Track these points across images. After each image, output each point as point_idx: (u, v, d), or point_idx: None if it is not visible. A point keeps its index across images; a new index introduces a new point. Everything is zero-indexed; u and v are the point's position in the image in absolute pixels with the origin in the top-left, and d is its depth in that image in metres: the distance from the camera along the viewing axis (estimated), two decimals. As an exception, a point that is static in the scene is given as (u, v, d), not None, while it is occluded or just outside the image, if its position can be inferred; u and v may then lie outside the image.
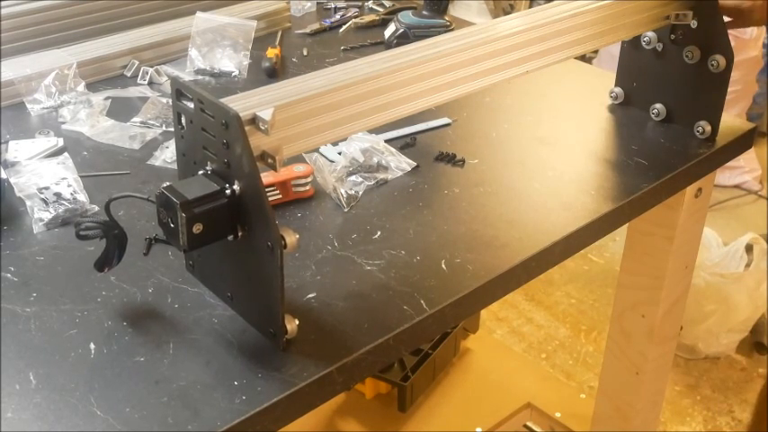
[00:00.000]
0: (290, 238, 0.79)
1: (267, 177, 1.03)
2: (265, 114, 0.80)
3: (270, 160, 0.82)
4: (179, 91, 0.84)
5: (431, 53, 0.97)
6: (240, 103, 0.82)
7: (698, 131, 1.27)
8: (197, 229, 0.80)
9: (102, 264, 0.89)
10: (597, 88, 1.41)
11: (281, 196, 1.09)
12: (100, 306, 0.89)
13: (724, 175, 3.04)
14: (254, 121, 0.81)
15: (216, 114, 0.79)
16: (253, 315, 0.86)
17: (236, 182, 0.80)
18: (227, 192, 0.81)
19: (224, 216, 0.81)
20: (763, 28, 3.01)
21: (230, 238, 0.83)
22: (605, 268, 2.65)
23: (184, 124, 0.85)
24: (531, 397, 1.84)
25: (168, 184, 0.82)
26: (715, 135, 1.27)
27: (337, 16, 1.71)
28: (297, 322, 0.84)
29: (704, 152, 1.25)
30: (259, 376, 0.81)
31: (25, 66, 1.34)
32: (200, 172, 0.84)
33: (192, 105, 0.82)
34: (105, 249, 0.88)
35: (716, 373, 2.29)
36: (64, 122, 1.27)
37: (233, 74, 1.45)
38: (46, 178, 1.09)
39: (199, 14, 1.50)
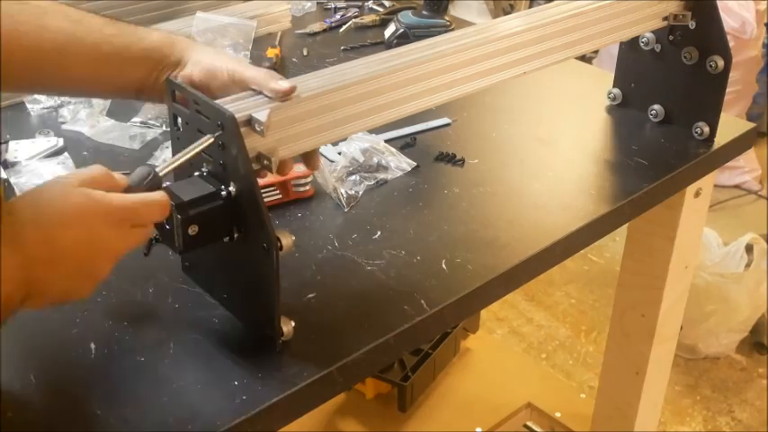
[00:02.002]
0: (286, 239, 0.79)
1: (267, 177, 1.03)
2: (261, 116, 0.80)
3: (266, 162, 0.82)
4: (175, 92, 0.84)
5: (430, 53, 0.97)
6: (236, 105, 0.82)
7: (696, 132, 1.27)
8: (193, 230, 0.80)
9: None
10: (597, 88, 1.41)
11: (281, 196, 1.09)
12: (100, 306, 0.89)
13: (724, 175, 3.03)
14: (249, 122, 0.81)
15: (211, 115, 0.79)
16: (249, 317, 0.86)
17: (231, 183, 0.80)
18: (223, 193, 0.81)
19: (220, 218, 0.81)
20: (763, 28, 3.01)
21: (226, 239, 0.83)
22: (605, 268, 2.65)
23: (180, 125, 0.85)
24: (531, 397, 1.84)
25: (164, 185, 0.82)
26: (713, 136, 1.27)
27: (337, 16, 1.71)
28: (293, 324, 0.84)
29: (704, 152, 1.25)
30: (259, 376, 0.81)
31: (25, 66, 1.34)
32: (196, 173, 0.84)
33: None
34: None
35: (716, 373, 2.28)
36: (64, 122, 1.27)
37: (233, 74, 1.45)
38: (46, 178, 1.09)
39: (199, 14, 1.50)
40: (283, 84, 0.83)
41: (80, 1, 1.45)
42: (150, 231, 0.78)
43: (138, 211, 0.75)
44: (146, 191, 0.77)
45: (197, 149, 0.79)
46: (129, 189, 0.76)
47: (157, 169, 0.78)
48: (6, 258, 0.66)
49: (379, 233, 1.04)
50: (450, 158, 1.21)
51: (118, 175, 0.77)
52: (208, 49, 0.90)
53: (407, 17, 1.58)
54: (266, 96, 0.83)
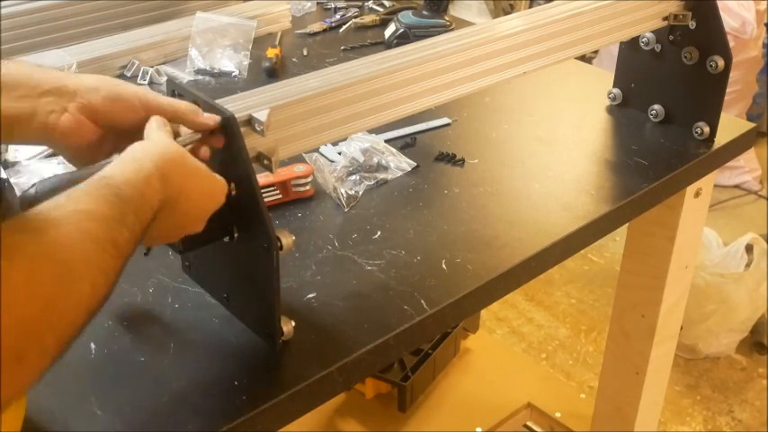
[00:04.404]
0: (286, 239, 0.79)
1: (267, 177, 1.03)
2: (261, 115, 0.80)
3: (266, 161, 0.82)
4: (175, 92, 0.84)
5: (430, 53, 0.97)
6: (236, 104, 0.82)
7: (696, 132, 1.27)
8: None
9: None
10: (597, 88, 1.41)
11: (281, 196, 1.09)
12: (100, 306, 0.89)
13: (724, 175, 3.03)
14: (249, 122, 0.81)
15: (212, 115, 0.79)
16: (249, 316, 0.86)
17: (231, 183, 0.80)
18: None
19: (220, 217, 0.81)
20: (763, 28, 3.01)
21: (226, 239, 0.83)
22: (605, 268, 2.65)
23: None
24: (531, 397, 1.84)
25: None
26: (713, 136, 1.27)
27: (337, 16, 1.71)
28: (293, 324, 0.84)
29: (704, 152, 1.25)
30: (259, 376, 0.81)
31: (25, 66, 1.34)
32: None
33: None
34: None
35: (716, 373, 2.28)
36: (64, 123, 1.27)
37: (233, 74, 1.45)
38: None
39: (199, 14, 1.50)
40: (208, 117, 0.77)
41: (80, 1, 1.46)
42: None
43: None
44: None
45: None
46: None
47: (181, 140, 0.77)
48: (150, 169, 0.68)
49: (379, 233, 1.04)
50: (451, 158, 1.21)
51: None
52: (101, 76, 0.81)
53: (407, 17, 1.58)
54: (189, 130, 0.78)
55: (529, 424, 1.84)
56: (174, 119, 0.77)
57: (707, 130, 1.26)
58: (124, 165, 0.68)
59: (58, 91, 0.77)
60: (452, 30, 1.40)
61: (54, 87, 0.77)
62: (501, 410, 1.80)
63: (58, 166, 1.12)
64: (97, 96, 0.77)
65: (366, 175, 1.15)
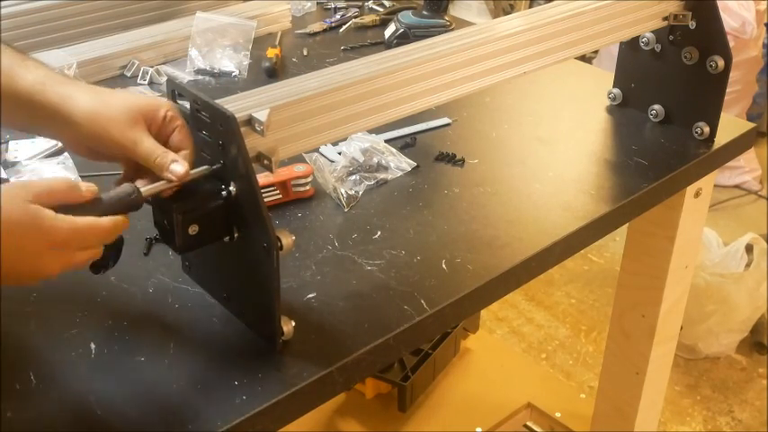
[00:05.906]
0: (286, 239, 0.79)
1: (267, 177, 1.03)
2: (261, 115, 0.80)
3: (266, 161, 0.82)
4: (175, 92, 0.84)
5: (430, 53, 0.97)
6: (236, 104, 0.82)
7: (696, 132, 1.27)
8: (192, 230, 0.80)
9: (99, 266, 0.89)
10: (597, 88, 1.41)
11: (281, 196, 1.09)
12: (100, 306, 0.89)
13: (724, 175, 3.04)
14: (249, 122, 0.81)
15: (212, 115, 0.79)
16: (249, 316, 0.86)
17: (231, 183, 0.80)
18: (223, 193, 0.81)
19: (220, 217, 0.81)
20: (763, 28, 3.01)
21: (226, 239, 0.83)
22: (605, 268, 2.65)
23: None
24: (531, 397, 1.84)
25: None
26: (713, 136, 1.27)
27: (337, 16, 1.71)
28: (293, 324, 0.84)
29: (704, 152, 1.25)
30: (259, 376, 0.81)
31: (25, 66, 1.34)
32: None
33: (188, 106, 0.82)
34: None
35: (716, 373, 2.29)
36: (64, 123, 1.27)
37: (233, 74, 1.45)
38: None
39: (199, 14, 1.50)
40: (179, 168, 0.78)
41: (80, 1, 1.46)
42: (98, 252, 0.76)
43: (83, 235, 0.73)
44: (121, 208, 0.76)
45: (191, 176, 0.79)
46: (98, 202, 0.75)
47: (142, 189, 0.78)
48: None
49: (379, 233, 1.04)
50: (451, 158, 1.21)
51: (86, 186, 0.74)
52: (96, 102, 0.80)
53: (407, 17, 1.58)
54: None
55: (529, 424, 1.84)
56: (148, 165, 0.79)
57: (707, 130, 1.26)
58: None
59: (51, 115, 0.80)
60: (452, 30, 1.40)
61: (50, 113, 0.80)
62: (501, 410, 1.80)
63: (58, 167, 1.12)
64: (84, 135, 0.80)
65: (366, 175, 1.15)
